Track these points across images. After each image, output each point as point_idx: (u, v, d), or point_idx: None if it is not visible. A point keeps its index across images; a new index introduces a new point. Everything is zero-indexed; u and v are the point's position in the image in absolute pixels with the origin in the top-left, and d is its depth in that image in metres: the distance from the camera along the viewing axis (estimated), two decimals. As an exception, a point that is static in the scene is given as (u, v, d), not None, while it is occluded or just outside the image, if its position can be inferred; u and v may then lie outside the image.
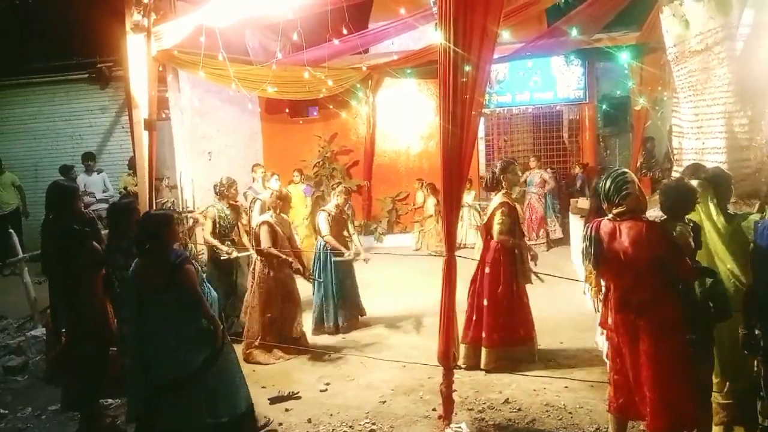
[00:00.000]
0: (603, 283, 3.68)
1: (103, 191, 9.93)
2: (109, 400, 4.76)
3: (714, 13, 5.18)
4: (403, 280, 8.38)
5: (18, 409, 4.93)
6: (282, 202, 5.89)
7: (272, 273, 5.65)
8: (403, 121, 11.76)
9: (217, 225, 6.18)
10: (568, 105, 11.31)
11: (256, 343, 5.61)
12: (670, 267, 3.12)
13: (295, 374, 5.30)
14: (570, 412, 4.19)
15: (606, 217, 3.33)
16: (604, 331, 3.56)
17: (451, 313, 3.80)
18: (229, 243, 6.26)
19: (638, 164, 9.69)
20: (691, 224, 3.30)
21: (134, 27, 5.55)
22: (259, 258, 5.69)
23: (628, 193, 3.22)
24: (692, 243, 3.22)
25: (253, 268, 5.75)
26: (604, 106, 11.43)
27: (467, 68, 3.47)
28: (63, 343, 4.39)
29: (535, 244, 9.94)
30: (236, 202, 6.53)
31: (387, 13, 9.63)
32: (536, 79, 10.95)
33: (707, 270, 3.28)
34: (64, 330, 4.43)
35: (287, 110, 11.91)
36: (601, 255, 3.26)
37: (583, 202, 10.16)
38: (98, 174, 10.04)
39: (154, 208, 6.14)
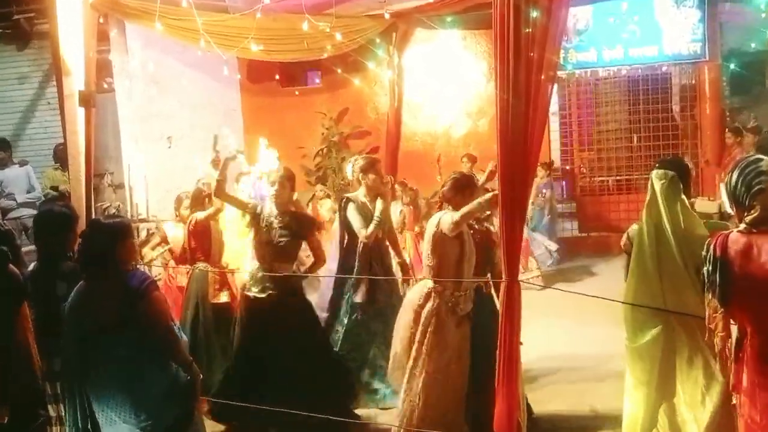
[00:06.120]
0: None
1: (28, 191, 9.89)
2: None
3: None
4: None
5: None
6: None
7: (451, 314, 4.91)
8: (442, 90, 11.80)
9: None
10: (680, 65, 11.21)
11: None
12: None
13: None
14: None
15: (736, 229, 3.27)
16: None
17: (513, 363, 3.80)
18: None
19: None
20: None
21: (64, -37, 5.66)
22: (427, 286, 4.99)
23: (762, 189, 3.16)
24: None
25: (419, 304, 4.98)
26: (732, 66, 11.30)
27: (534, 13, 3.47)
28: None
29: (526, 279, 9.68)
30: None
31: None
32: (633, 27, 10.87)
33: None
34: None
35: (277, 77, 11.99)
36: (731, 285, 3.19)
37: (704, 204, 10.04)
38: (20, 167, 10.06)
39: (94, 214, 6.24)
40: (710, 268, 3.24)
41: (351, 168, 6.47)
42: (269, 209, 5.49)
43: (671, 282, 3.96)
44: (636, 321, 4.11)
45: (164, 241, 6.77)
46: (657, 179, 4.07)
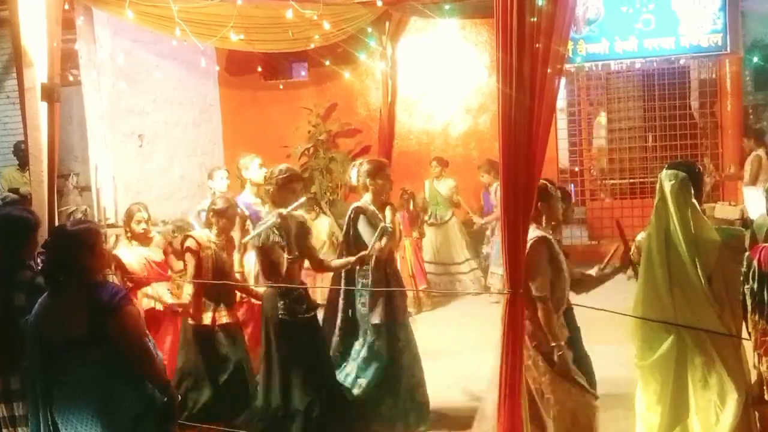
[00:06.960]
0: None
1: (-14, 193, 9.98)
2: None
3: None
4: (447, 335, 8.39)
5: None
6: None
7: None
8: (439, 85, 11.83)
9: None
10: (699, 57, 11.24)
11: None
12: None
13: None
14: None
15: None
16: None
17: (517, 379, 3.81)
18: None
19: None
20: None
21: (26, -57, 5.65)
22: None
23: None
24: None
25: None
26: (755, 59, 11.33)
27: (540, 0, 3.48)
28: None
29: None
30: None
31: None
32: (648, 17, 10.90)
33: None
34: None
35: (260, 69, 12.01)
36: None
37: (725, 209, 10.07)
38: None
39: (58, 219, 6.21)
40: (755, 286, 3.21)
41: (356, 172, 6.30)
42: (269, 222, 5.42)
43: (682, 291, 3.96)
44: (645, 334, 4.11)
45: (121, 269, 6.24)
46: (666, 180, 4.09)
